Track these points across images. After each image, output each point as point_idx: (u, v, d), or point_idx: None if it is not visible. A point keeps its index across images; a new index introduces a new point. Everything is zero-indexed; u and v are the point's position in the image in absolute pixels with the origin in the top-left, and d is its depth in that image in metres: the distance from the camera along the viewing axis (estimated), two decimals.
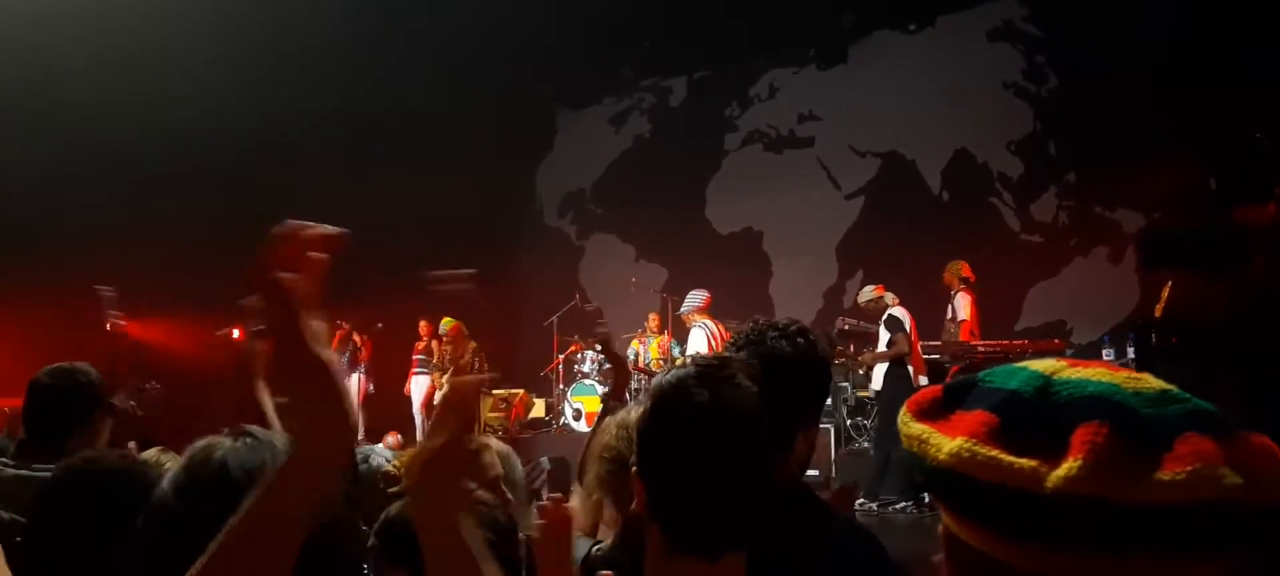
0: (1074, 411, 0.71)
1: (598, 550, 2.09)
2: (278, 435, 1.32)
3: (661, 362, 10.15)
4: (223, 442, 1.27)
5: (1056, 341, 8.84)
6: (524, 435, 10.73)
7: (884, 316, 8.36)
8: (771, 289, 12.29)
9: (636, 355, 10.46)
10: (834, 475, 8.35)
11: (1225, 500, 0.66)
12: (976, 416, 0.74)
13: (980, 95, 11.04)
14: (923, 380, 7.99)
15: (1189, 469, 0.66)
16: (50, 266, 9.77)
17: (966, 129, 11.19)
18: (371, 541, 1.87)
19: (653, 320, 10.53)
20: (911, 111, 11.36)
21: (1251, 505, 0.67)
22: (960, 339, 8.59)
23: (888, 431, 7.78)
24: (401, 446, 9.94)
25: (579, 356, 11.06)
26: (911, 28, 11.74)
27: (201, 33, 9.57)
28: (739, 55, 12.78)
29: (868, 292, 8.83)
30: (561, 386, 11.11)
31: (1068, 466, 0.67)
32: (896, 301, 8.57)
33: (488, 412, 11.18)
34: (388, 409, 11.60)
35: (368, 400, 11.68)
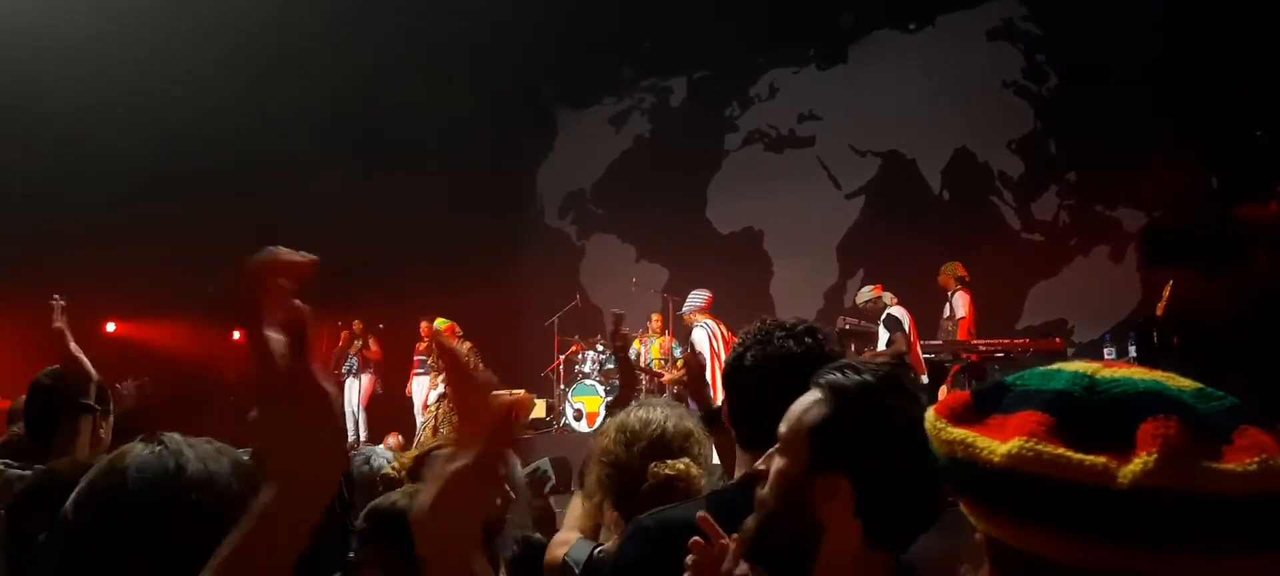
0: (1131, 407, 0.71)
1: (600, 552, 2.08)
2: (200, 444, 1.22)
3: (663, 363, 10.14)
4: (135, 449, 1.18)
5: (1057, 340, 8.84)
6: (524, 435, 10.70)
7: (883, 316, 8.37)
8: (772, 289, 12.29)
9: (638, 355, 10.45)
10: None
11: None
12: (1028, 417, 0.73)
13: (980, 94, 11.04)
14: (923, 379, 7.99)
15: (1258, 459, 0.67)
16: (49, 266, 9.77)
17: (967, 128, 11.18)
18: (360, 523, 1.86)
19: (654, 320, 10.52)
20: (911, 111, 11.35)
21: None
22: (959, 336, 8.61)
23: None
24: (402, 447, 9.95)
25: (580, 357, 11.05)
26: (911, 27, 11.74)
27: (200, 33, 9.57)
28: (739, 55, 12.77)
29: (866, 293, 8.86)
30: (562, 386, 11.10)
31: (1142, 460, 0.67)
32: (895, 301, 8.58)
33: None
34: (389, 410, 11.60)
35: (375, 400, 11.70)
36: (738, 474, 1.83)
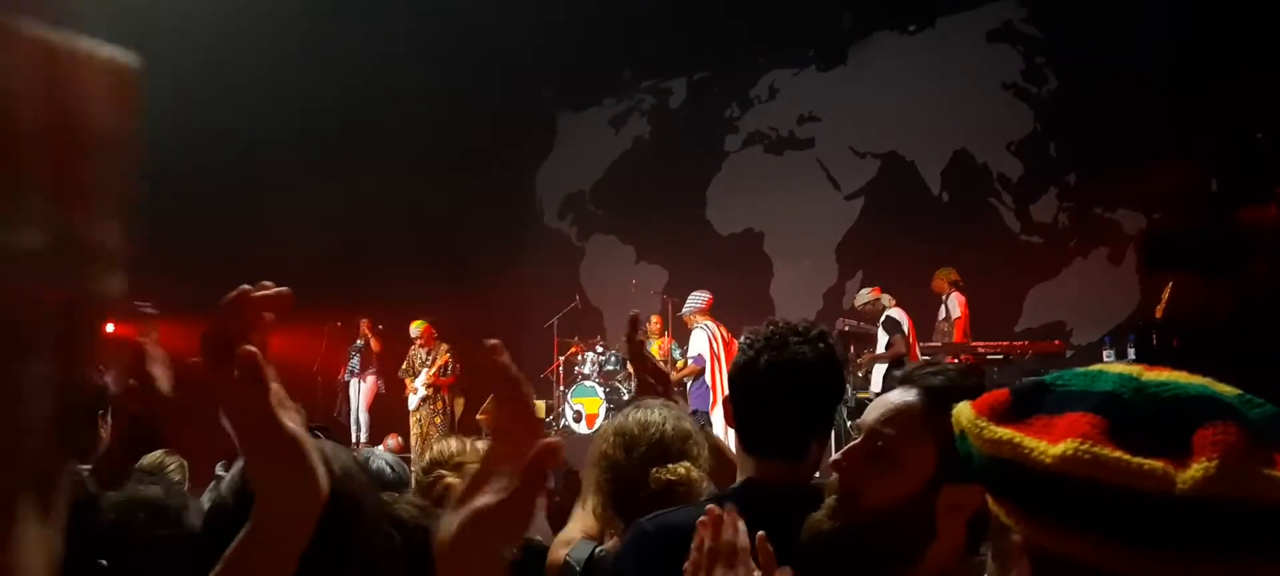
0: (1184, 411, 0.70)
1: (601, 552, 2.08)
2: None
3: (662, 365, 10.14)
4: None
5: (1056, 343, 8.84)
6: None
7: (882, 318, 8.38)
8: (772, 290, 12.29)
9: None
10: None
11: None
12: (1079, 418, 0.71)
13: (980, 96, 11.04)
14: None
15: None
16: None
17: (966, 130, 11.18)
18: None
19: (654, 322, 10.52)
20: (911, 112, 11.36)
21: None
22: (955, 338, 8.63)
23: None
24: (402, 449, 9.96)
25: (579, 358, 11.05)
26: (911, 29, 11.74)
27: (197, 28, 9.57)
28: (739, 56, 12.78)
29: (865, 295, 8.88)
30: (562, 388, 11.10)
31: (1202, 467, 0.66)
32: (894, 303, 8.60)
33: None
34: (389, 411, 11.61)
35: (376, 401, 11.71)
36: (740, 476, 1.82)
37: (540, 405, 11.67)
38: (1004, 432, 0.75)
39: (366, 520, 1.33)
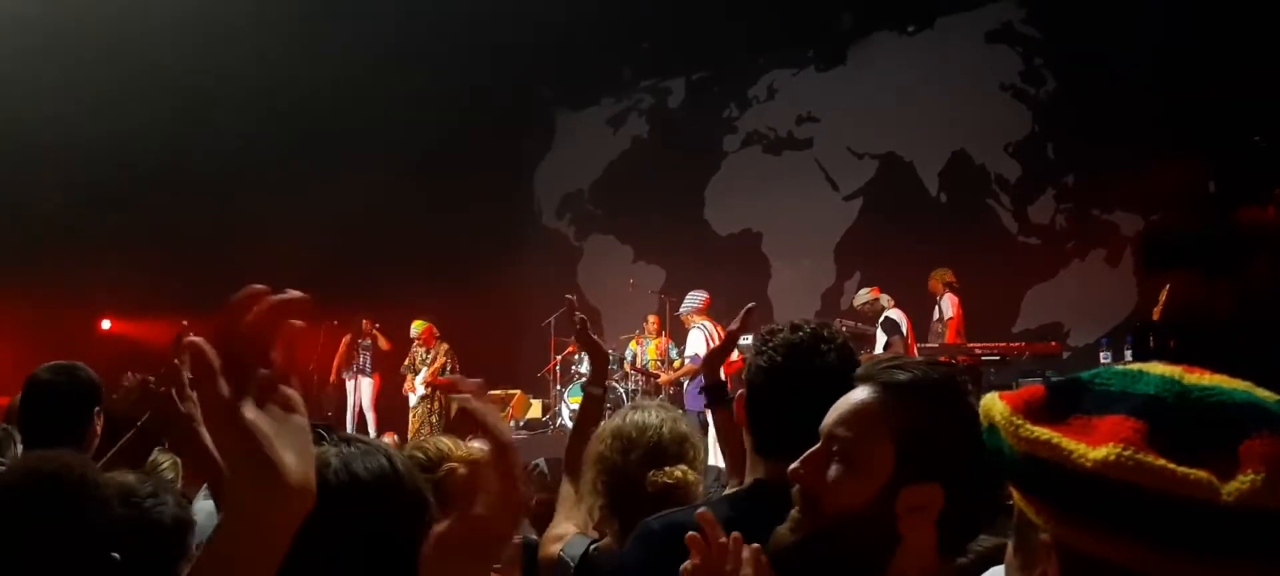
0: (1230, 419, 0.69)
1: (595, 548, 2.08)
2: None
3: (659, 364, 10.13)
4: (332, 449, 1.31)
5: (1053, 344, 8.85)
6: (519, 436, 10.71)
7: (881, 319, 8.37)
8: (770, 290, 12.28)
9: (634, 356, 10.45)
10: None
11: None
12: (1122, 421, 0.70)
13: (978, 97, 11.04)
14: None
15: None
16: (42, 263, 9.75)
17: (964, 131, 11.18)
18: None
19: (651, 321, 10.52)
20: (910, 113, 11.35)
21: None
22: (948, 338, 8.65)
23: None
24: (398, 447, 9.94)
25: (576, 357, 11.04)
26: (910, 29, 11.74)
27: (194, 27, 9.54)
28: (738, 56, 12.77)
29: (863, 295, 8.88)
30: (558, 387, 11.11)
31: (1250, 478, 0.65)
32: (892, 303, 8.59)
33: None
34: (387, 410, 11.61)
35: (378, 399, 11.72)
36: (749, 478, 1.81)
37: (536, 404, 11.68)
38: (1042, 432, 0.74)
39: (428, 515, 1.36)
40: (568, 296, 2.65)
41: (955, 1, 11.28)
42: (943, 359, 8.17)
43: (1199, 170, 8.69)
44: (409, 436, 10.61)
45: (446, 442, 2.43)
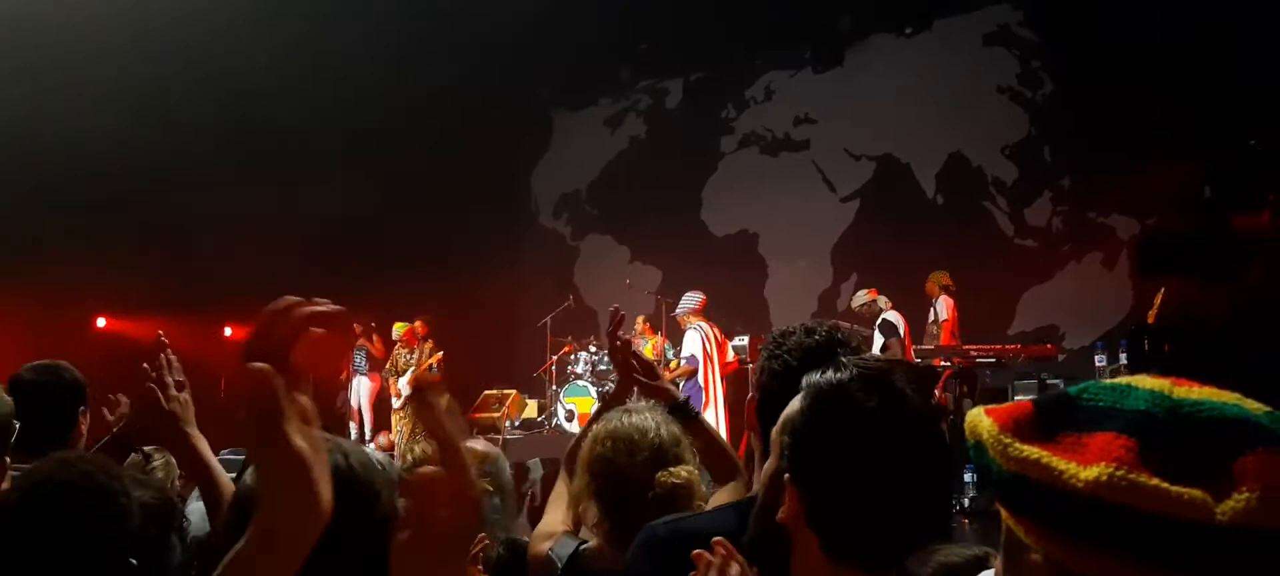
0: (1223, 435, 0.68)
1: (584, 549, 2.07)
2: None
3: (655, 365, 10.13)
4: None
5: (1049, 346, 8.84)
6: (514, 436, 10.71)
7: (878, 320, 8.38)
8: (767, 292, 12.29)
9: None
10: None
11: None
12: (1113, 440, 0.69)
13: (975, 99, 11.06)
14: None
15: None
16: (37, 261, 9.72)
17: (961, 133, 11.19)
18: None
19: (638, 323, 10.52)
20: (907, 115, 11.36)
21: None
22: (942, 340, 8.66)
23: None
24: (392, 447, 9.95)
25: (572, 357, 11.05)
26: (907, 31, 11.75)
27: (189, 24, 9.52)
28: (735, 57, 12.78)
29: (861, 297, 8.90)
30: (554, 387, 11.10)
31: (1245, 497, 0.64)
32: (889, 305, 8.60)
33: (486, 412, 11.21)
34: (381, 411, 11.61)
35: (376, 398, 11.73)
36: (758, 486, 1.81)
37: (532, 404, 11.68)
38: (1031, 451, 0.73)
39: (380, 512, 1.37)
40: (615, 309, 2.60)
41: (953, 4, 11.29)
42: (936, 360, 8.19)
43: (1195, 174, 8.69)
44: (393, 435, 10.63)
45: (430, 448, 2.42)
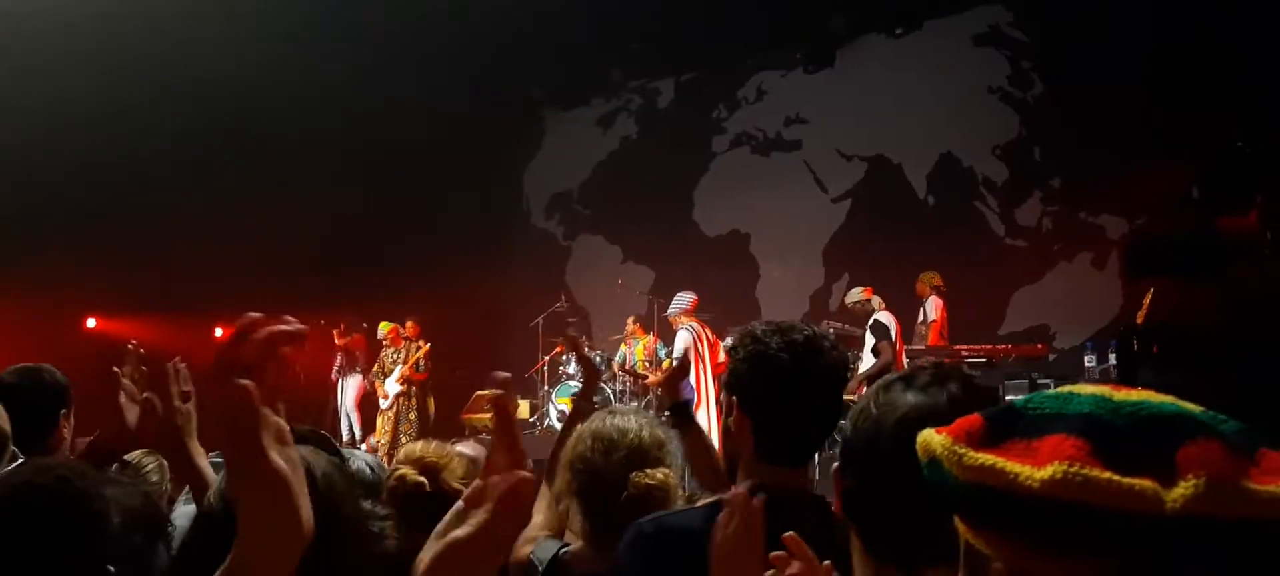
0: (1164, 430, 0.70)
1: (565, 552, 2.08)
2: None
3: (647, 365, 10.14)
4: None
5: (1039, 346, 8.88)
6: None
7: (870, 321, 8.38)
8: (758, 291, 12.31)
9: (623, 358, 10.45)
10: (817, 478, 8.33)
11: None
12: (1063, 441, 0.70)
13: (966, 100, 11.08)
14: None
15: None
16: (30, 260, 9.68)
17: (952, 133, 11.22)
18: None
19: (629, 324, 10.54)
20: (898, 115, 11.39)
21: None
22: (930, 340, 8.68)
23: None
24: (373, 451, 9.93)
25: (564, 358, 11.05)
26: (898, 32, 11.77)
27: (188, 24, 9.49)
28: (727, 58, 12.78)
29: (856, 294, 8.86)
30: (546, 387, 11.10)
31: (1193, 484, 0.66)
32: (883, 305, 8.59)
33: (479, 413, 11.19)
34: (375, 411, 11.57)
35: (365, 399, 11.69)
36: (742, 481, 1.82)
37: (524, 405, 11.67)
38: (985, 458, 0.73)
39: (347, 523, 1.37)
40: (568, 323, 2.68)
41: (943, 5, 11.32)
42: (935, 360, 8.20)
43: (1183, 175, 8.75)
44: (377, 437, 10.59)
45: (431, 448, 2.42)
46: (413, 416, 10.72)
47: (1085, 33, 10.04)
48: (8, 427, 2.50)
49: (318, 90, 10.74)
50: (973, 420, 0.77)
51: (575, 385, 10.51)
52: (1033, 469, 0.70)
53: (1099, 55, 9.86)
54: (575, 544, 2.09)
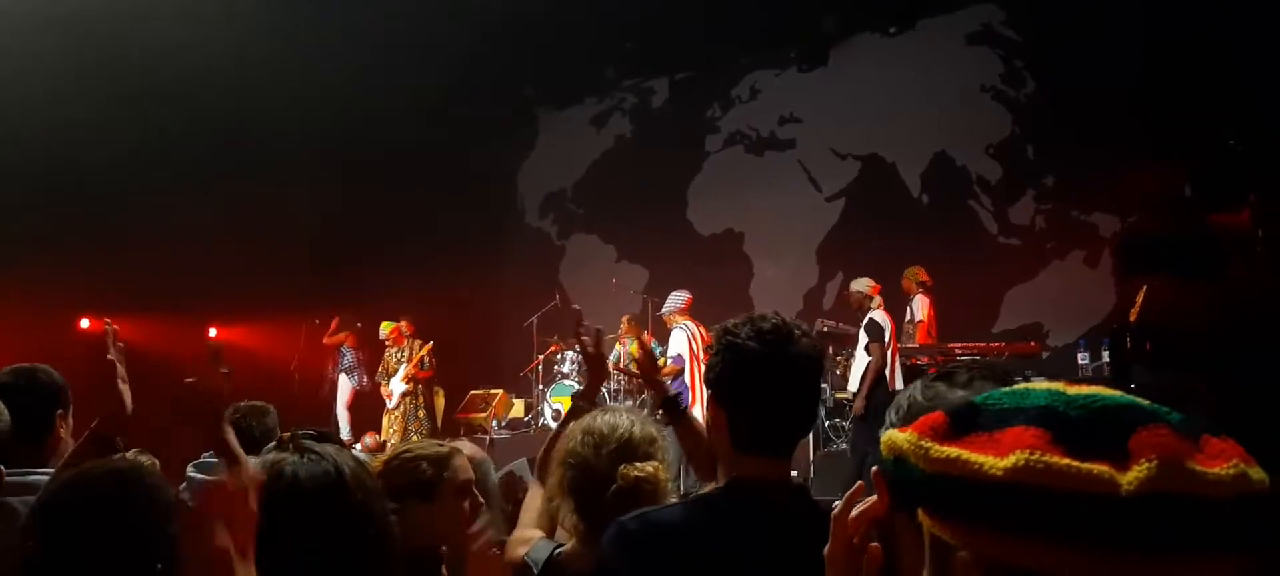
0: (1117, 418, 0.74)
1: (559, 553, 2.08)
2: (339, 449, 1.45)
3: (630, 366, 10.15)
4: (289, 458, 1.42)
5: (1032, 344, 8.91)
6: (501, 435, 10.71)
7: (865, 320, 8.36)
8: (752, 290, 12.32)
9: (618, 357, 10.45)
10: (812, 476, 8.36)
11: (1255, 494, 0.71)
12: (1024, 432, 0.74)
13: (959, 98, 11.11)
14: (899, 382, 8.03)
15: (1233, 464, 0.71)
16: (24, 260, 9.65)
17: (946, 132, 11.24)
18: None
19: (623, 322, 10.54)
20: (891, 114, 11.41)
21: (1263, 500, 0.72)
22: (918, 339, 8.67)
23: (865, 434, 7.80)
24: (378, 448, 9.92)
25: (558, 357, 11.06)
26: (892, 31, 11.79)
27: (182, 22, 9.46)
28: (720, 56, 12.79)
29: (862, 285, 8.63)
30: (541, 386, 11.10)
31: (1145, 467, 0.70)
32: (881, 305, 8.54)
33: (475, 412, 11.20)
34: (369, 410, 11.57)
35: (359, 398, 11.69)
36: (723, 478, 1.82)
37: (519, 404, 11.67)
38: (950, 451, 0.77)
39: (377, 519, 1.45)
40: (578, 320, 2.70)
41: (936, 4, 11.34)
42: (921, 359, 8.21)
43: (1176, 173, 8.78)
44: (385, 436, 10.57)
45: (431, 445, 2.43)
46: (422, 414, 10.73)
47: (1078, 31, 10.07)
48: (8, 418, 2.50)
49: (312, 89, 10.71)
50: (936, 416, 0.81)
51: (570, 384, 10.52)
52: (996, 458, 0.74)
53: (1092, 54, 9.89)
54: (570, 543, 2.10)
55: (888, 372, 8.04)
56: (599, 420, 2.15)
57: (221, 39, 9.54)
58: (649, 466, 2.05)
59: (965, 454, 0.76)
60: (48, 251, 9.72)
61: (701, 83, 13.26)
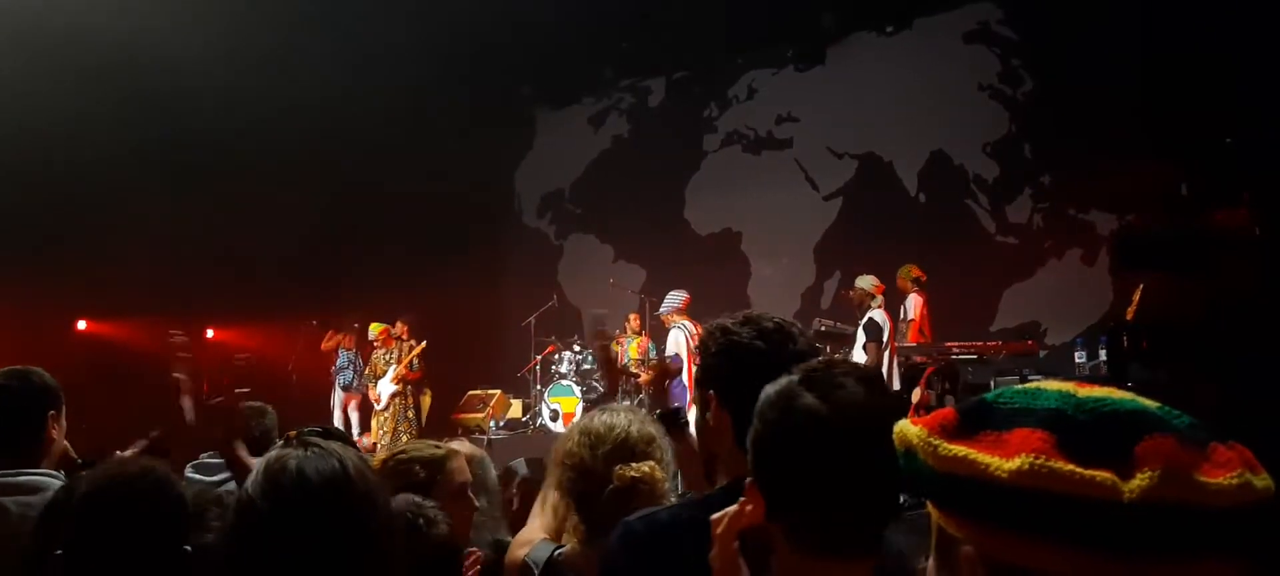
0: (1124, 424, 0.75)
1: (560, 554, 2.08)
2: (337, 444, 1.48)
3: (639, 363, 10.14)
4: (293, 453, 1.43)
5: (1030, 343, 8.91)
6: (499, 435, 10.71)
7: (864, 320, 8.36)
8: (750, 290, 12.32)
9: (618, 356, 10.46)
10: None
11: (1258, 502, 0.73)
12: (1030, 434, 0.76)
13: (957, 97, 11.11)
14: (896, 382, 8.03)
15: (1237, 474, 0.73)
16: (21, 262, 9.63)
17: (943, 131, 11.25)
18: None
19: (632, 320, 10.53)
20: (888, 113, 11.41)
21: (1268, 508, 0.74)
22: (910, 338, 8.66)
23: None
24: (369, 449, 9.92)
25: (556, 357, 11.05)
26: (889, 30, 11.79)
27: (180, 21, 9.45)
28: (717, 56, 12.79)
29: (867, 283, 8.62)
30: (538, 387, 11.10)
31: (1148, 475, 0.71)
32: (881, 305, 8.54)
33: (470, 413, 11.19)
34: (369, 410, 11.56)
35: (362, 400, 11.69)
36: (723, 478, 1.82)
37: (516, 404, 11.66)
38: (958, 449, 0.79)
39: (382, 514, 1.48)
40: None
41: (933, 2, 11.34)
42: (919, 358, 8.21)
43: (1173, 172, 8.78)
44: (374, 437, 10.57)
45: (427, 446, 2.42)
46: (411, 415, 10.71)
47: (1075, 30, 10.08)
48: None
49: (309, 90, 10.70)
50: (946, 413, 0.83)
51: (568, 384, 10.52)
52: (1002, 460, 0.75)
53: (1089, 52, 9.89)
54: (570, 545, 2.10)
55: (884, 373, 8.04)
56: (596, 420, 2.15)
57: (217, 41, 9.54)
58: (646, 466, 2.04)
59: (973, 453, 0.77)
60: (43, 255, 9.71)
61: (699, 82, 13.26)
